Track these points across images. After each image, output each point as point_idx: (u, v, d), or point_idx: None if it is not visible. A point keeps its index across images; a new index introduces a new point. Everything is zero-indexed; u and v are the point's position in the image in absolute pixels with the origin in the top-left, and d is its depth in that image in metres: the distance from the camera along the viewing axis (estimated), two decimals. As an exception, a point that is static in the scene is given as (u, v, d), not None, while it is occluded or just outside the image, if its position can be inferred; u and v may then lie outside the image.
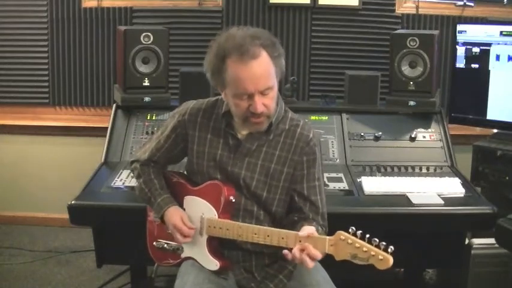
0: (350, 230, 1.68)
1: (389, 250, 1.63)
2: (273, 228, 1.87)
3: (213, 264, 1.96)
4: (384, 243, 1.64)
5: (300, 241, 1.75)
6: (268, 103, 1.86)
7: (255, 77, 1.80)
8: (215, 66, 1.85)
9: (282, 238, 1.81)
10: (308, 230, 1.78)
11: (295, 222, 1.95)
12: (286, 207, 2.01)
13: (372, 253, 1.64)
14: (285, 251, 1.77)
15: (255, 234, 1.86)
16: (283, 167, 1.96)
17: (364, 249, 1.65)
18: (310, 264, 1.72)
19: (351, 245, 1.67)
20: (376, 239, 1.65)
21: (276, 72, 1.86)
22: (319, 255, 1.72)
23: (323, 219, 2.00)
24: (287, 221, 1.99)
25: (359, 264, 1.68)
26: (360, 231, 1.67)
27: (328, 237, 1.74)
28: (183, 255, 2.04)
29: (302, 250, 1.73)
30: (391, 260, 1.63)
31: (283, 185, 1.97)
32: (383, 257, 1.63)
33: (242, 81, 1.80)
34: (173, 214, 1.98)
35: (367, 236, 1.66)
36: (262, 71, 1.81)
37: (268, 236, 1.84)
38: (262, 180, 1.96)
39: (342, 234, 1.69)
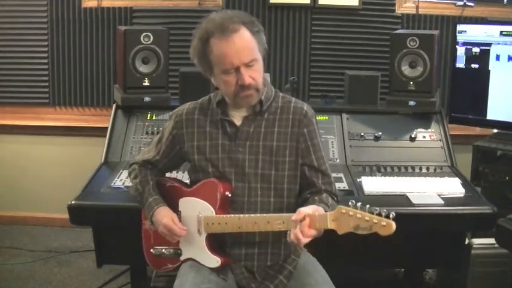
0: (350, 203, 1.72)
1: (390, 216, 1.66)
2: (272, 214, 1.89)
3: (215, 261, 1.96)
4: (385, 210, 1.67)
5: (300, 220, 1.77)
6: (255, 75, 1.90)
7: (238, 50, 1.86)
8: (200, 49, 1.92)
9: (283, 223, 1.83)
10: (307, 209, 1.80)
11: (307, 199, 1.98)
12: (297, 184, 2.02)
13: (375, 221, 1.66)
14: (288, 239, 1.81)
15: (255, 223, 1.88)
16: (286, 142, 1.99)
17: (366, 218, 1.67)
18: (300, 237, 1.75)
19: (352, 216, 1.69)
20: (376, 208, 1.68)
21: (258, 48, 1.91)
22: (310, 232, 1.75)
23: (334, 188, 2.05)
24: (300, 200, 2.01)
25: (362, 234, 1.69)
26: (360, 203, 1.70)
27: (328, 212, 1.77)
28: (182, 258, 2.04)
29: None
30: (393, 225, 1.65)
31: (289, 160, 1.99)
32: (386, 223, 1.65)
33: (227, 55, 1.86)
34: (164, 215, 1.99)
35: (368, 206, 1.69)
36: (244, 43, 1.87)
37: (268, 222, 1.86)
38: (267, 160, 1.98)
39: (342, 208, 1.72)
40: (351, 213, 1.70)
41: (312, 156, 2.01)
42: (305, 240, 1.76)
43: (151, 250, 2.11)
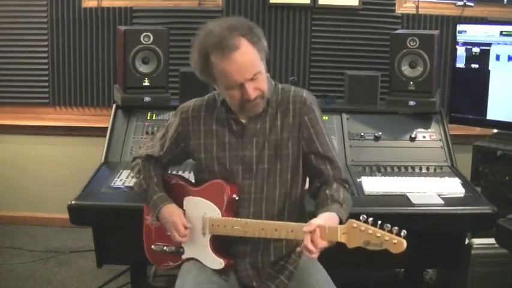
0: (361, 218, 1.70)
1: (402, 234, 1.65)
2: (280, 222, 1.88)
3: (218, 263, 1.96)
4: (396, 228, 1.66)
5: (311, 232, 1.74)
6: (260, 86, 1.89)
7: (241, 68, 1.83)
8: (201, 64, 1.89)
9: (291, 231, 1.82)
10: (318, 220, 1.76)
11: (318, 188, 1.97)
12: (300, 174, 2.01)
13: (386, 238, 1.65)
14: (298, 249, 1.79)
15: (262, 229, 1.87)
16: (289, 132, 1.98)
17: (378, 235, 1.66)
18: (312, 249, 1.72)
19: (364, 232, 1.68)
20: (388, 225, 1.66)
21: (260, 56, 1.89)
22: (322, 244, 1.73)
23: (343, 173, 2.01)
24: (311, 192, 2.00)
25: (370, 250, 1.69)
26: (371, 218, 1.69)
27: (339, 226, 1.75)
28: (184, 257, 2.04)
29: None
30: (404, 243, 1.64)
31: (292, 151, 1.98)
32: (397, 241, 1.65)
33: (229, 74, 1.84)
34: (172, 212, 1.99)
35: (379, 222, 1.68)
36: (246, 60, 1.84)
37: (276, 230, 1.85)
38: (272, 154, 1.97)
39: (353, 222, 1.70)
40: (362, 228, 1.68)
41: (316, 143, 1.99)
42: (317, 252, 1.74)
43: (152, 246, 2.10)
